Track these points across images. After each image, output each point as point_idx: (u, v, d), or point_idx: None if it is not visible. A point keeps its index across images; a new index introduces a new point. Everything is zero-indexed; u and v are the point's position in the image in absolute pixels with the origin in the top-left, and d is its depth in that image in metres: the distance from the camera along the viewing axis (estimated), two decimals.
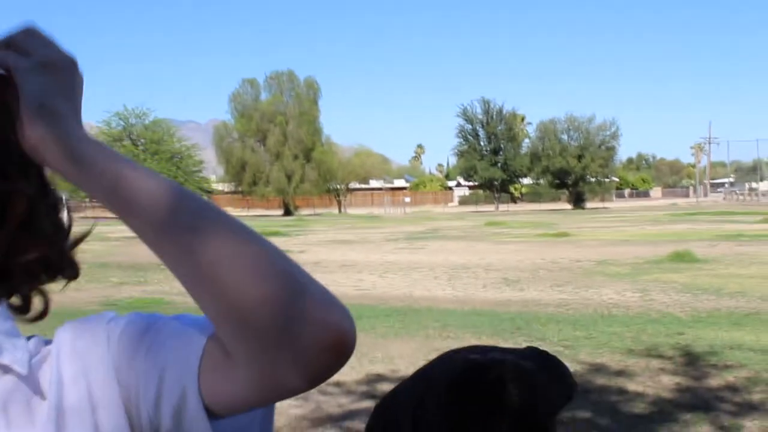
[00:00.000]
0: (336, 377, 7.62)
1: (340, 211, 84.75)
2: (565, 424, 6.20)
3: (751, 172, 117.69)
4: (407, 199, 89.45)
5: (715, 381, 7.38)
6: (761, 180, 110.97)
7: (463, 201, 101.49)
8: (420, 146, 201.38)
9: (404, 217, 62.08)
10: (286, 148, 77.27)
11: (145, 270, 19.21)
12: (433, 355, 5.86)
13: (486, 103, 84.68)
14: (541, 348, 1.19)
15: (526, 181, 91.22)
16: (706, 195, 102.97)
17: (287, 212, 77.03)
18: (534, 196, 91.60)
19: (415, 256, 22.13)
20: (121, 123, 78.23)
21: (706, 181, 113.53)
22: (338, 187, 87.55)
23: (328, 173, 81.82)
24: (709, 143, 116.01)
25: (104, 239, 33.60)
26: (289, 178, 76.95)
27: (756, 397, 6.79)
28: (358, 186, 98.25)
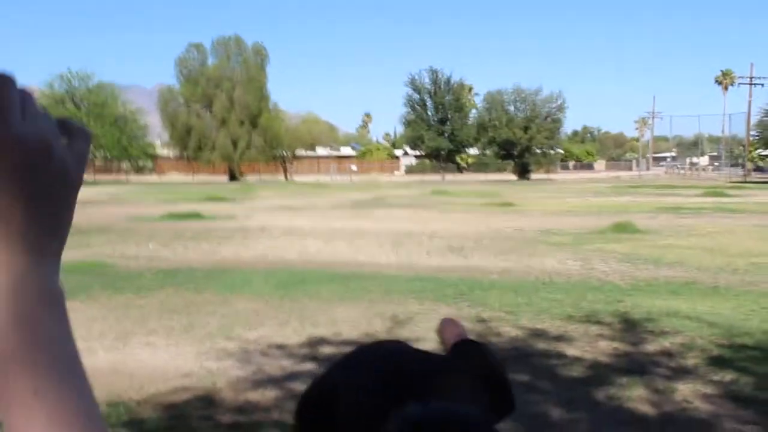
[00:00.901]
0: (278, 340, 7.66)
1: (286, 178, 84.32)
2: None
3: (692, 147, 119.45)
4: (354, 167, 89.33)
5: (651, 346, 7.54)
6: (702, 155, 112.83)
7: (410, 170, 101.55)
8: (367, 115, 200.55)
9: (350, 185, 61.96)
10: (233, 114, 76.55)
11: (87, 234, 18.96)
12: (375, 320, 5.91)
13: (434, 73, 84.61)
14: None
15: (473, 151, 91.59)
16: (648, 168, 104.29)
17: (233, 178, 76.51)
18: (480, 166, 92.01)
19: (360, 223, 22.13)
20: (64, 85, 76.88)
21: (648, 155, 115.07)
22: (285, 153, 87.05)
23: (274, 140, 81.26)
24: (653, 118, 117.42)
25: None
26: (235, 144, 76.34)
27: (690, 362, 6.96)
28: (304, 153, 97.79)
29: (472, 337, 1.03)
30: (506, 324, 8.53)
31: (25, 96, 0.65)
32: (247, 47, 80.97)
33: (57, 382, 0.62)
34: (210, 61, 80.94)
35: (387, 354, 1.05)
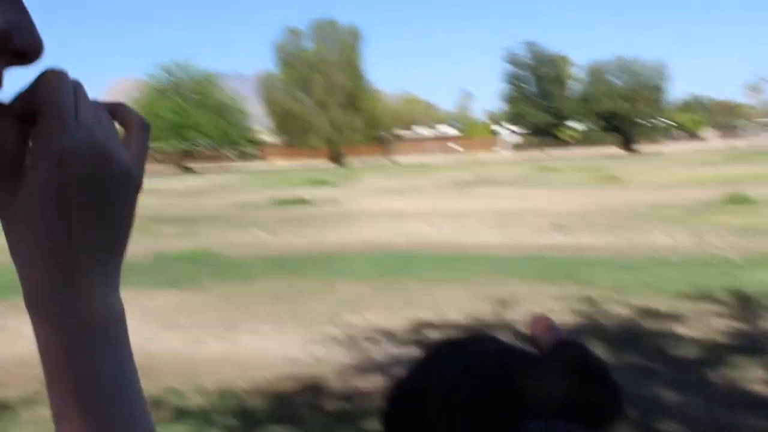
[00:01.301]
0: (383, 324, 7.65)
1: (388, 159, 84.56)
2: (615, 368, 6.14)
3: None
4: (457, 147, 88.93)
5: None
6: None
7: (513, 147, 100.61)
8: (467, 92, 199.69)
9: (453, 165, 61.71)
10: (332, 98, 77.04)
11: (195, 222, 19.39)
12: (481, 302, 5.82)
13: (532, 47, 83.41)
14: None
15: (576, 125, 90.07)
16: (760, 135, 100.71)
17: (335, 162, 77.09)
18: (584, 140, 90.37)
19: (464, 203, 22.00)
20: (168, 76, 78.70)
21: (761, 121, 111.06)
22: (386, 135, 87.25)
23: (374, 121, 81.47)
24: (765, 81, 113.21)
25: (156, 192, 34.01)
26: (335, 127, 76.85)
27: None
28: (405, 134, 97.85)
29: (568, 336, 0.97)
30: (615, 303, 8.32)
31: (78, 93, 0.60)
32: (342, 29, 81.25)
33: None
34: (307, 44, 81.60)
35: (480, 352, 0.98)
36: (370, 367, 6.38)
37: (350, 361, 6.55)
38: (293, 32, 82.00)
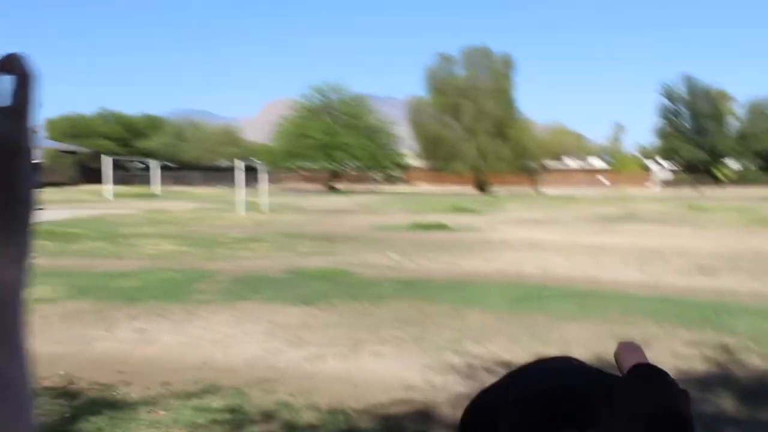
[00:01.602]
0: (506, 357, 7.51)
1: (534, 190, 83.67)
2: (745, 424, 5.81)
3: None
4: (604, 180, 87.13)
5: None
6: None
7: (664, 183, 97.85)
8: (619, 125, 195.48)
9: (600, 198, 60.49)
10: (480, 125, 76.82)
11: (334, 241, 19.66)
12: (609, 341, 5.62)
13: (689, 81, 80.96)
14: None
15: (733, 164, 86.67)
16: None
17: (480, 189, 76.81)
18: (741, 180, 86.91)
19: (606, 239, 21.49)
20: (321, 98, 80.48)
21: None
22: (533, 165, 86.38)
23: (522, 150, 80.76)
24: None
25: (301, 211, 34.77)
26: (482, 154, 76.59)
27: None
28: (553, 164, 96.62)
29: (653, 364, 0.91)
30: (753, 354, 7.89)
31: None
32: (494, 57, 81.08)
33: None
34: (458, 71, 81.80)
35: (552, 371, 0.95)
36: None
37: (466, 391, 6.45)
38: (445, 58, 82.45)
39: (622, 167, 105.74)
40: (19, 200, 0.61)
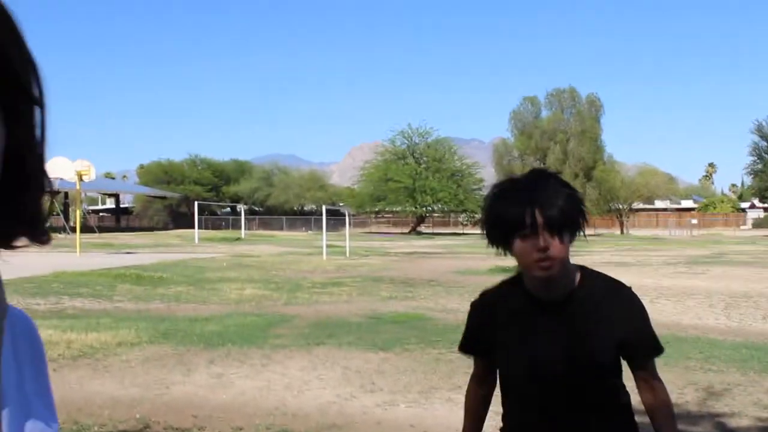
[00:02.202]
0: None
1: (622, 231, 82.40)
2: None
3: None
4: (694, 221, 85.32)
5: None
6: None
7: (757, 224, 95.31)
8: (711, 165, 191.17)
9: (689, 240, 59.25)
10: (567, 167, 76.15)
11: (415, 286, 19.70)
12: (687, 389, 5.56)
13: None
14: None
15: None
16: None
17: None
18: None
19: (692, 282, 21.02)
20: (405, 141, 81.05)
21: None
22: (620, 206, 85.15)
23: (609, 192, 79.80)
24: None
25: (384, 254, 34.93)
26: None
27: None
28: (641, 206, 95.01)
29: None
30: None
31: None
32: (580, 98, 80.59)
33: None
34: (543, 113, 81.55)
35: None
36: None
37: None
38: (530, 100, 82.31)
39: (713, 208, 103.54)
40: None
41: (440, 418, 7.12)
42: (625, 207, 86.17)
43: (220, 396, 7.90)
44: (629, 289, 2.75)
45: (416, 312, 14.46)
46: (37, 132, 0.81)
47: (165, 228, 75.24)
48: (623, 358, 2.65)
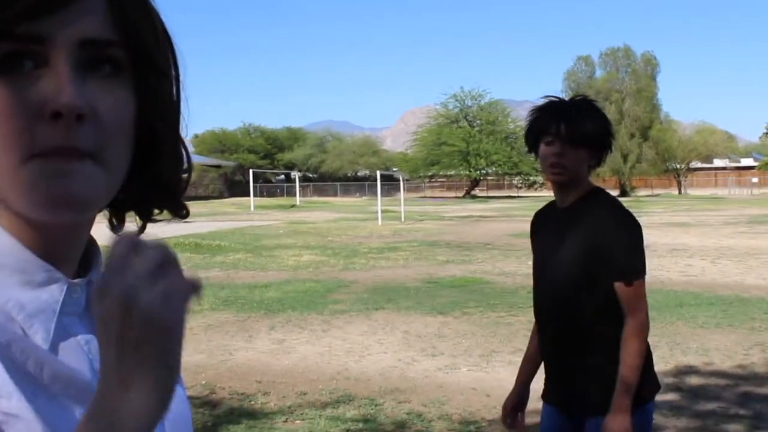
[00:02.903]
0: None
1: (679, 192, 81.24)
2: None
3: None
4: (754, 180, 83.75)
5: None
6: None
7: None
8: None
9: (750, 199, 58.21)
10: (622, 127, 75.04)
11: (471, 249, 19.65)
12: (754, 351, 5.50)
13: None
14: None
15: None
16: None
17: (623, 193, 75.07)
18: None
19: (755, 242, 20.66)
20: (458, 105, 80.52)
21: None
22: (678, 166, 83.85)
23: (666, 152, 78.54)
24: None
25: (439, 218, 34.88)
26: (624, 157, 74.81)
27: None
28: (699, 165, 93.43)
29: None
30: None
31: (136, 251, 0.69)
32: (636, 57, 79.19)
33: None
34: (598, 73, 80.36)
35: None
36: None
37: None
38: (584, 60, 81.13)
39: None
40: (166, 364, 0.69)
41: (502, 380, 7.10)
42: (682, 167, 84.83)
43: (282, 361, 7.99)
44: (629, 214, 2.90)
45: (474, 276, 14.43)
46: (170, 104, 0.85)
47: (220, 196, 75.94)
48: (602, 278, 2.78)
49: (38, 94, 0.73)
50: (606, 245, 2.76)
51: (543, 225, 3.12)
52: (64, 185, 0.74)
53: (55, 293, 0.79)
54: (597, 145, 2.92)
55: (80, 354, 0.80)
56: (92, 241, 0.88)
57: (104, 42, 0.76)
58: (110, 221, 0.90)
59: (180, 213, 0.91)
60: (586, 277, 2.78)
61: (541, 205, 3.28)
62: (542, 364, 3.16)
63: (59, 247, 0.81)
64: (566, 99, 3.02)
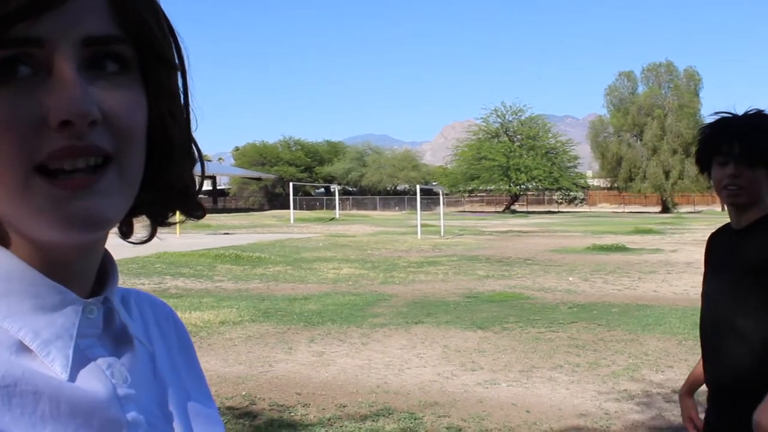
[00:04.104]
0: None
1: (722, 209, 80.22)
2: None
3: None
4: None
5: None
6: None
7: None
8: None
9: None
10: (664, 143, 74.49)
11: (511, 264, 19.58)
12: None
13: None
14: None
15: None
16: None
17: (665, 209, 74.44)
18: None
19: None
20: (499, 120, 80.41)
21: None
22: None
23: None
24: None
25: (478, 233, 34.79)
26: (666, 173, 74.19)
27: None
28: None
29: None
30: None
31: None
32: (678, 72, 78.53)
33: None
34: (640, 89, 79.78)
35: None
36: (662, 427, 6.09)
37: (642, 419, 6.29)
38: (626, 75, 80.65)
39: None
40: None
41: (542, 396, 7.07)
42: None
43: (321, 374, 8.01)
44: None
45: (514, 291, 14.37)
46: (179, 100, 0.80)
47: (260, 209, 76.43)
48: None
49: (42, 102, 0.65)
50: None
51: (717, 247, 2.94)
52: (82, 203, 0.68)
53: (70, 316, 0.73)
54: None
55: (102, 380, 0.74)
56: (107, 255, 0.82)
57: (108, 38, 0.69)
58: (120, 229, 0.83)
59: (196, 214, 0.85)
60: (757, 304, 2.59)
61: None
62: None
63: (73, 267, 0.75)
64: (739, 114, 2.80)
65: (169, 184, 0.80)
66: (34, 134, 0.65)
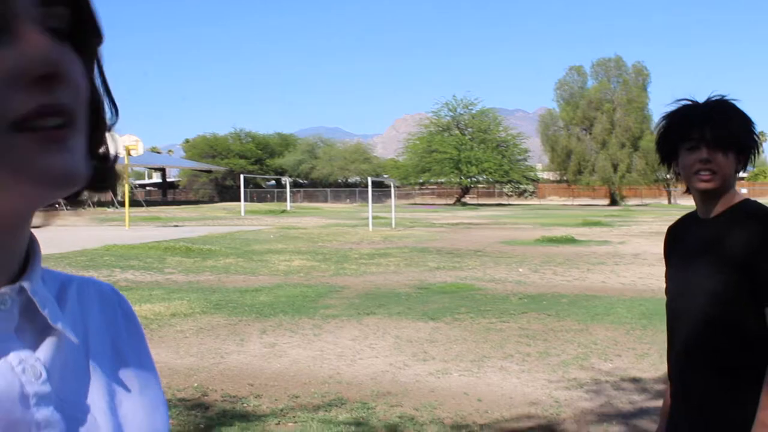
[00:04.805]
0: (634, 373, 7.39)
1: (669, 201, 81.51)
2: None
3: None
4: (744, 191, 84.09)
5: None
6: None
7: None
8: (762, 133, 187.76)
9: None
10: (613, 137, 75.41)
11: (462, 256, 19.70)
12: None
13: None
14: None
15: None
16: None
17: (613, 202, 75.38)
18: None
19: None
20: (450, 113, 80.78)
21: None
22: (667, 177, 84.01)
23: (656, 162, 78.65)
24: None
25: (429, 225, 34.94)
26: (615, 167, 75.14)
27: None
28: None
29: None
30: None
31: None
32: (627, 68, 79.49)
33: None
34: (589, 83, 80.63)
35: None
36: (610, 414, 6.19)
37: (591, 407, 6.39)
38: (576, 70, 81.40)
39: (764, 176, 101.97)
40: None
41: (493, 385, 7.15)
42: (672, 177, 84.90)
43: (274, 365, 8.01)
44: None
45: (464, 282, 14.47)
46: (104, 76, 0.73)
47: (211, 201, 75.92)
48: (749, 301, 2.44)
49: (15, 58, 0.60)
50: (756, 264, 2.42)
51: (681, 239, 2.81)
52: (58, 156, 0.62)
53: None
54: (745, 148, 2.64)
55: (10, 378, 0.65)
56: (32, 239, 0.73)
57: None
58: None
59: (113, 186, 0.75)
60: (730, 298, 2.47)
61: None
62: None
63: None
64: (702, 102, 2.71)
65: (102, 158, 0.73)
66: (7, 92, 0.60)
